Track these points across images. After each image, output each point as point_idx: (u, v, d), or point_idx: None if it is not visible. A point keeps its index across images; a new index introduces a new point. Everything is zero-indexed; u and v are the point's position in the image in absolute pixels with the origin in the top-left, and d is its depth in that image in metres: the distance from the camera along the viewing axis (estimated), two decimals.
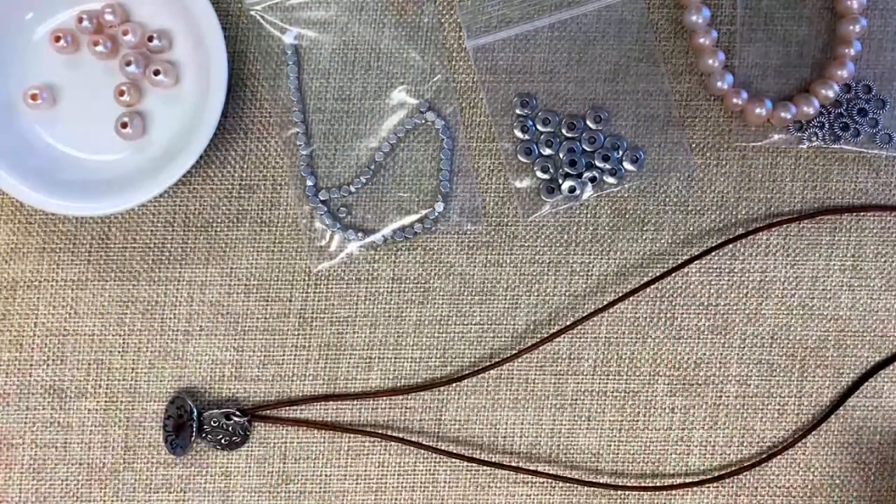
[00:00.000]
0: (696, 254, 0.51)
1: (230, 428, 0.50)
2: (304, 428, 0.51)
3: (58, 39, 0.48)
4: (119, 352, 0.51)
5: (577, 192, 0.50)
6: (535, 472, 0.51)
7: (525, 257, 0.51)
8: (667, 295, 0.52)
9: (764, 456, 0.52)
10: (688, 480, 0.52)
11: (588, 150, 0.51)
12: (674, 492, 0.52)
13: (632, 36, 0.51)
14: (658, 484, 0.52)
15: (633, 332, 0.52)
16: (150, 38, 0.48)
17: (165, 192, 0.50)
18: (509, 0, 0.50)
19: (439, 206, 0.51)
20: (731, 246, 0.52)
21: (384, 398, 0.51)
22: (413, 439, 0.51)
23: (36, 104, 0.48)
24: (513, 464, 0.51)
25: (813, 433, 0.52)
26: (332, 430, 0.51)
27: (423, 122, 0.51)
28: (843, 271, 0.52)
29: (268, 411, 0.51)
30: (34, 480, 0.51)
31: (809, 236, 0.52)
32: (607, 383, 0.52)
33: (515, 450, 0.52)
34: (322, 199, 0.51)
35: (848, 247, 0.52)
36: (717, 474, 0.52)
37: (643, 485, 0.52)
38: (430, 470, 0.51)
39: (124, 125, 0.48)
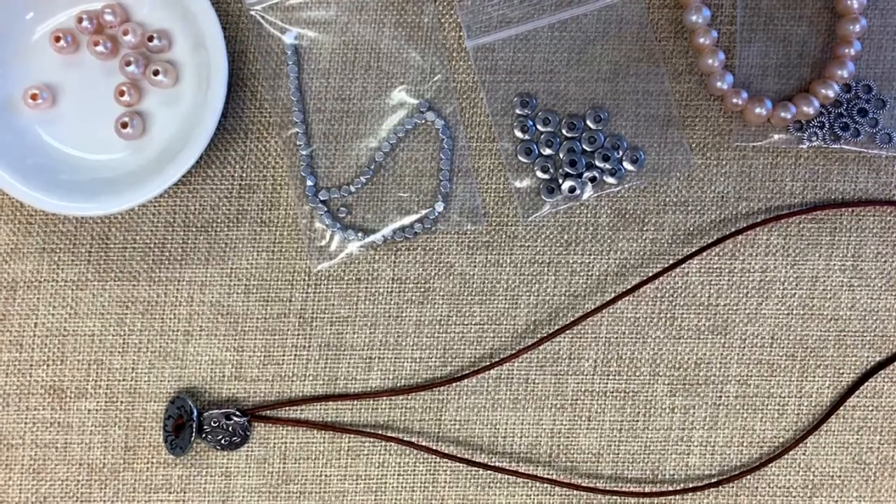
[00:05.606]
0: (692, 251, 0.51)
1: (230, 428, 0.50)
2: (304, 428, 0.51)
3: (58, 39, 0.48)
4: (119, 352, 0.51)
5: (577, 192, 0.50)
6: (534, 477, 0.51)
7: (525, 257, 0.51)
8: (667, 295, 0.52)
9: (764, 459, 0.52)
10: (688, 486, 0.52)
11: (588, 150, 0.51)
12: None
13: (632, 36, 0.51)
14: (657, 489, 0.52)
15: (633, 332, 0.52)
16: (150, 38, 0.48)
17: (165, 192, 0.50)
18: (509, 0, 0.50)
19: (439, 206, 0.51)
20: (731, 245, 0.52)
21: (384, 398, 0.51)
22: (413, 440, 0.51)
23: (36, 104, 0.48)
24: (512, 464, 0.51)
25: (813, 433, 0.52)
26: (332, 431, 0.51)
27: (423, 121, 0.51)
28: (843, 271, 0.52)
29: (268, 411, 0.51)
30: (34, 480, 0.51)
31: (809, 236, 0.52)
32: (607, 383, 0.52)
33: (515, 450, 0.52)
34: (322, 199, 0.51)
35: (848, 247, 0.52)
36: (716, 479, 0.52)
37: (642, 490, 0.52)
38: (430, 470, 0.51)
39: (124, 125, 0.48)
